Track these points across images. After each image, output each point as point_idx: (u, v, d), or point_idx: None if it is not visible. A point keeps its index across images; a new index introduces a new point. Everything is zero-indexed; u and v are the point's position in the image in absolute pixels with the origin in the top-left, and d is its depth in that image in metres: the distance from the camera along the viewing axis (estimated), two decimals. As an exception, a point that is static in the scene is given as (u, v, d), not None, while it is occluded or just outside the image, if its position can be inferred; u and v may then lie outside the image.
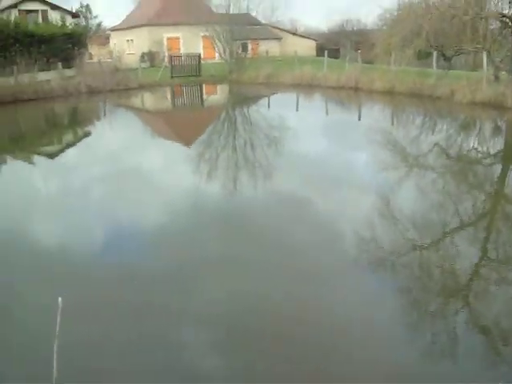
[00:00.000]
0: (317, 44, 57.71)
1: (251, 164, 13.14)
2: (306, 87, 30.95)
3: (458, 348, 4.98)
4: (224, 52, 38.13)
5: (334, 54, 45.16)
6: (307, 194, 10.36)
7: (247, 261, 7.09)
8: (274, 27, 56.21)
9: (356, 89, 28.01)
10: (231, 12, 38.78)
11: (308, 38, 60.30)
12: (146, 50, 46.89)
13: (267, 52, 46.09)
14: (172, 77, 36.72)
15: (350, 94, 27.79)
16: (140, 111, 27.03)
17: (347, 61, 32.15)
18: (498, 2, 24.47)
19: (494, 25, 25.11)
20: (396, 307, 5.79)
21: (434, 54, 25.94)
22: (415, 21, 24.55)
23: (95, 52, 63.35)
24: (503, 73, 24.04)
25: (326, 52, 32.49)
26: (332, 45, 52.06)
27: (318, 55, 52.22)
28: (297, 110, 24.25)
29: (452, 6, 24.56)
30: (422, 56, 31.05)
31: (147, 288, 6.24)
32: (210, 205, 9.81)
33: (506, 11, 24.08)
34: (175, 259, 7.22)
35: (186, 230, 8.41)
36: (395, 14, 29.08)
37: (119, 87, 32.11)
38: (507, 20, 24.15)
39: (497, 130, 18.59)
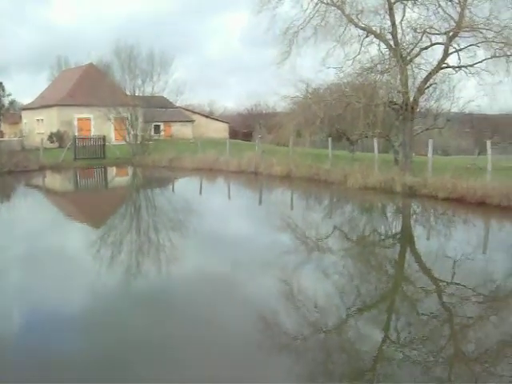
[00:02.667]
0: (229, 126, 58.63)
1: (155, 247, 13.07)
2: (208, 171, 31.10)
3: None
4: (128, 134, 37.90)
5: (247, 136, 45.80)
6: (208, 277, 10.19)
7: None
8: (187, 110, 56.83)
9: (256, 173, 28.45)
10: (143, 95, 38.99)
11: (221, 120, 61.27)
12: (55, 130, 46.03)
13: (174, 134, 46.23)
14: (75, 159, 35.96)
15: (250, 178, 28.08)
16: (38, 193, 26.03)
17: (257, 144, 32.37)
18: (389, 93, 25.48)
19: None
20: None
21: (329, 139, 26.63)
22: (309, 108, 25.13)
23: (6, 130, 61.77)
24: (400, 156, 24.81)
25: (227, 137, 32.85)
26: (244, 127, 53.01)
27: (231, 137, 52.93)
28: (200, 194, 24.00)
29: (346, 94, 25.33)
30: (334, 139, 31.89)
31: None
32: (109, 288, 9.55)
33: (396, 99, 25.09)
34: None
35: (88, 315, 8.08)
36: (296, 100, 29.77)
37: (17, 168, 30.85)
38: (398, 107, 25.06)
39: (390, 213, 19.43)
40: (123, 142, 39.17)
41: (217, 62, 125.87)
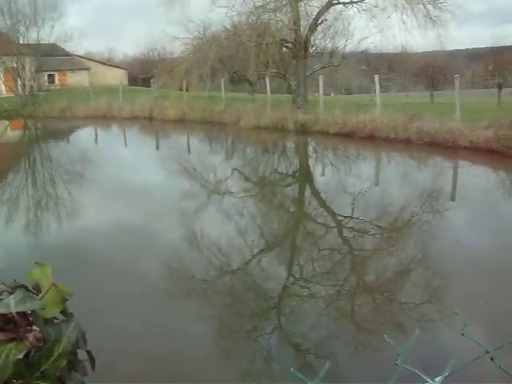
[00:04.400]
0: (128, 73, 56.57)
1: (54, 200, 12.34)
2: (102, 119, 29.98)
3: (273, 367, 4.93)
4: (16, 85, 35.75)
5: (146, 82, 44.20)
6: (110, 227, 9.69)
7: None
8: (82, 57, 54.30)
9: (150, 118, 27.67)
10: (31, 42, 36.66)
11: (118, 67, 59.00)
12: None
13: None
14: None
15: (145, 123, 27.29)
16: None
17: (157, 89, 31.33)
18: (280, 30, 25.14)
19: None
20: (207, 333, 5.52)
21: (222, 80, 26.18)
22: (200, 49, 24.46)
23: None
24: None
25: (126, 84, 31.67)
26: (143, 73, 51.12)
27: (130, 84, 51.15)
28: (96, 143, 23.10)
29: (237, 33, 24.79)
30: (235, 81, 31.40)
31: None
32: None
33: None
34: None
35: None
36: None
37: None
38: (291, 46, 24.82)
39: (282, 151, 19.50)
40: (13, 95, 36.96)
41: (118, 7, 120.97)
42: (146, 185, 13.82)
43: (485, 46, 44.59)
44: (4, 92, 39.87)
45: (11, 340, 0.87)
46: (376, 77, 20.31)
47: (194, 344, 5.30)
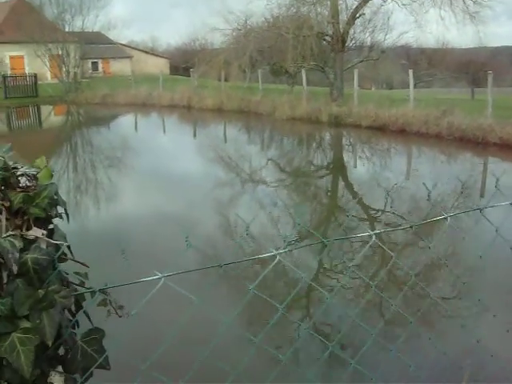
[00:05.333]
0: (170, 62, 57.40)
1: (94, 185, 12.93)
2: (141, 106, 30.63)
3: (299, 354, 4.98)
4: (61, 72, 36.78)
5: (187, 71, 44.90)
6: (148, 214, 10.02)
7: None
8: (125, 46, 55.32)
9: (189, 107, 28.22)
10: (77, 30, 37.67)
11: (161, 56, 59.86)
12: (-15, 69, 44.16)
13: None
14: (6, 97, 34.73)
15: (183, 112, 27.86)
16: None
17: (196, 79, 31.75)
18: (318, 23, 25.40)
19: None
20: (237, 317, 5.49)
21: (259, 71, 26.60)
22: (239, 40, 24.91)
23: None
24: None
25: (168, 73, 32.30)
26: (184, 63, 51.84)
27: (171, 73, 51.86)
28: (136, 131, 23.76)
29: (275, 25, 25.16)
30: (276, 72, 31.74)
31: None
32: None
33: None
34: None
35: None
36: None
37: None
38: (329, 39, 25.08)
39: (316, 142, 19.73)
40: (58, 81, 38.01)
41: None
42: (184, 172, 14.22)
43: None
44: (49, 78, 40.91)
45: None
46: (410, 71, 20.43)
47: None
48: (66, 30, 37.60)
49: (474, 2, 23.91)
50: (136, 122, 26.88)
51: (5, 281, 1.36)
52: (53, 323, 1.38)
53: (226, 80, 31.48)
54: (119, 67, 50.05)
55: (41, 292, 1.38)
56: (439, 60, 37.67)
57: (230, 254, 7.57)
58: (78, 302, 1.57)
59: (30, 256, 1.36)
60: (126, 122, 28.05)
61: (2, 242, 1.33)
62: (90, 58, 43.49)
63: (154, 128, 24.71)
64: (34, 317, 1.37)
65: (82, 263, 1.61)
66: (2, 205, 1.41)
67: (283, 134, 21.46)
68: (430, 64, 37.40)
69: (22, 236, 1.39)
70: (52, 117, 32.41)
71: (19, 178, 1.49)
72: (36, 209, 1.43)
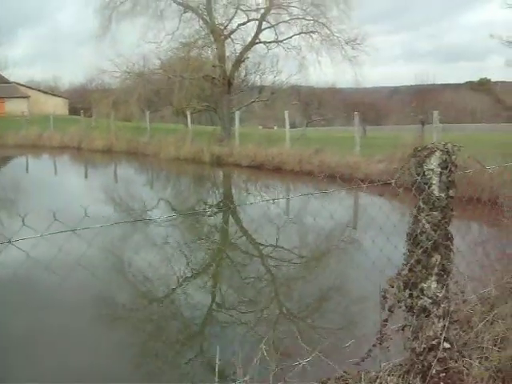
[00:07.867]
0: (69, 102, 56.89)
1: None
2: (32, 147, 30.04)
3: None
4: None
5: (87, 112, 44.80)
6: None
7: None
8: (23, 85, 54.51)
9: (79, 148, 28.09)
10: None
11: (59, 96, 59.23)
12: None
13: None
14: None
15: (74, 153, 27.66)
16: None
17: (94, 119, 31.83)
18: (203, 67, 26.50)
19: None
20: (133, 358, 5.64)
21: (147, 113, 27.34)
22: (126, 83, 25.59)
23: None
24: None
25: (53, 113, 32.25)
26: (84, 103, 51.61)
27: (70, 114, 51.46)
28: (27, 172, 23.54)
29: (163, 69, 26.04)
30: (177, 113, 32.33)
31: None
32: None
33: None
34: None
35: None
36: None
37: None
38: (216, 82, 26.13)
39: (208, 182, 20.21)
40: None
41: (69, 34, 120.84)
42: (74, 211, 14.20)
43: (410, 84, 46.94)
44: None
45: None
46: (286, 112, 21.34)
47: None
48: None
49: (352, 48, 25.95)
50: (27, 164, 26.55)
51: None
52: None
53: (127, 120, 31.93)
54: (15, 107, 49.15)
55: None
56: (328, 100, 39.54)
57: (125, 295, 7.49)
58: None
59: None
60: (16, 163, 27.53)
61: None
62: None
63: (45, 169, 24.31)
64: None
65: None
66: None
67: (169, 174, 21.97)
68: (320, 104, 39.16)
69: None
70: None
71: None
72: None
